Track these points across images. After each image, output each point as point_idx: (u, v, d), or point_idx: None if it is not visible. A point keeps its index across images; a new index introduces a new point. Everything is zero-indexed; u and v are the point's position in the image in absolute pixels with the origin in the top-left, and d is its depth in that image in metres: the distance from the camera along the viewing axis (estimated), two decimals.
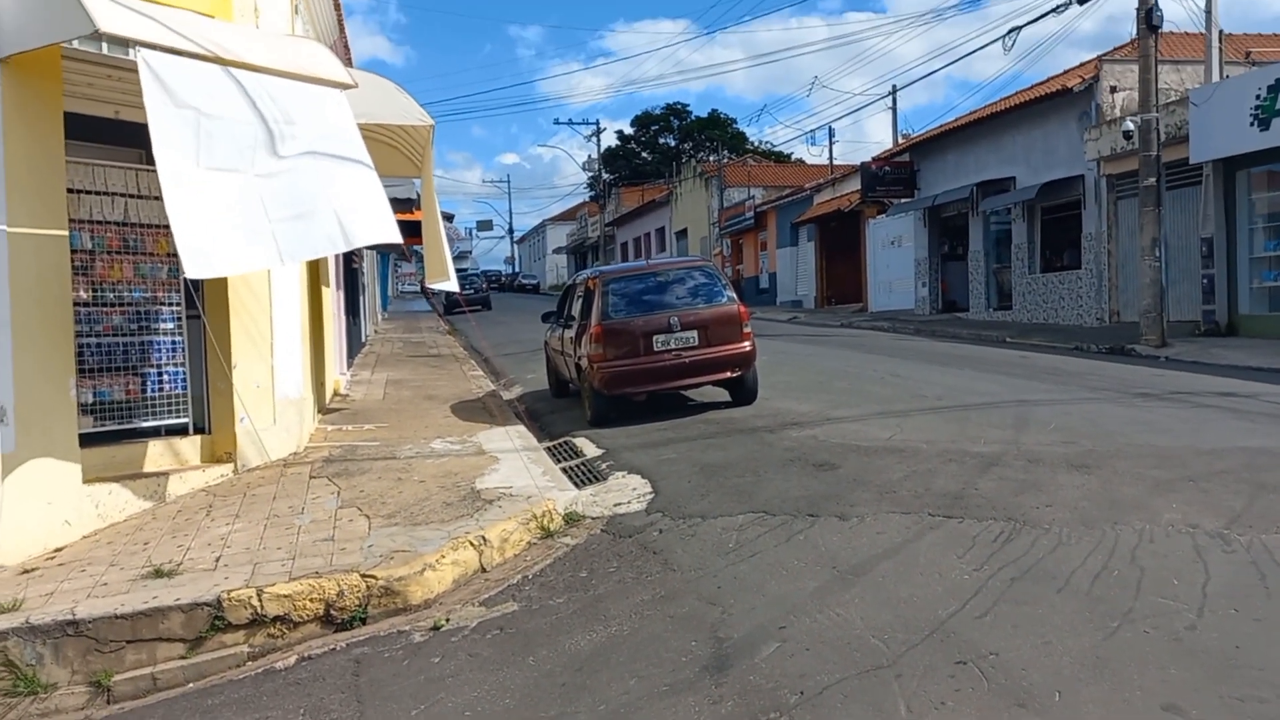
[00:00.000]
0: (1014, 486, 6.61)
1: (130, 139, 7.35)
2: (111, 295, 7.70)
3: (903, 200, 28.57)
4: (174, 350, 8.07)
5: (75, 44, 6.54)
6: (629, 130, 75.80)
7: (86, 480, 6.76)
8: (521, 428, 10.76)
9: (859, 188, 30.13)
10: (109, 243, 7.68)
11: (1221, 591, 4.54)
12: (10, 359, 6.15)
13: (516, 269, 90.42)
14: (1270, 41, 22.11)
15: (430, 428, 10.74)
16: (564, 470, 8.52)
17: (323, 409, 12.04)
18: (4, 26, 6.15)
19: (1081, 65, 23.34)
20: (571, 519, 6.86)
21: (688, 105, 75.98)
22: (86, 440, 6.96)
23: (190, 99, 6.09)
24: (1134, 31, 16.84)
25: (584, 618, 5.02)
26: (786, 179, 46.05)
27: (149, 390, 7.90)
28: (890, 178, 28.85)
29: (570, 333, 11.72)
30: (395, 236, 7.19)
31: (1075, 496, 6.28)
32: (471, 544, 6.03)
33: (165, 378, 8.01)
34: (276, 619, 5.17)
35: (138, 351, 7.85)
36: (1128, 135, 17.42)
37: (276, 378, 8.61)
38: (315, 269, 11.59)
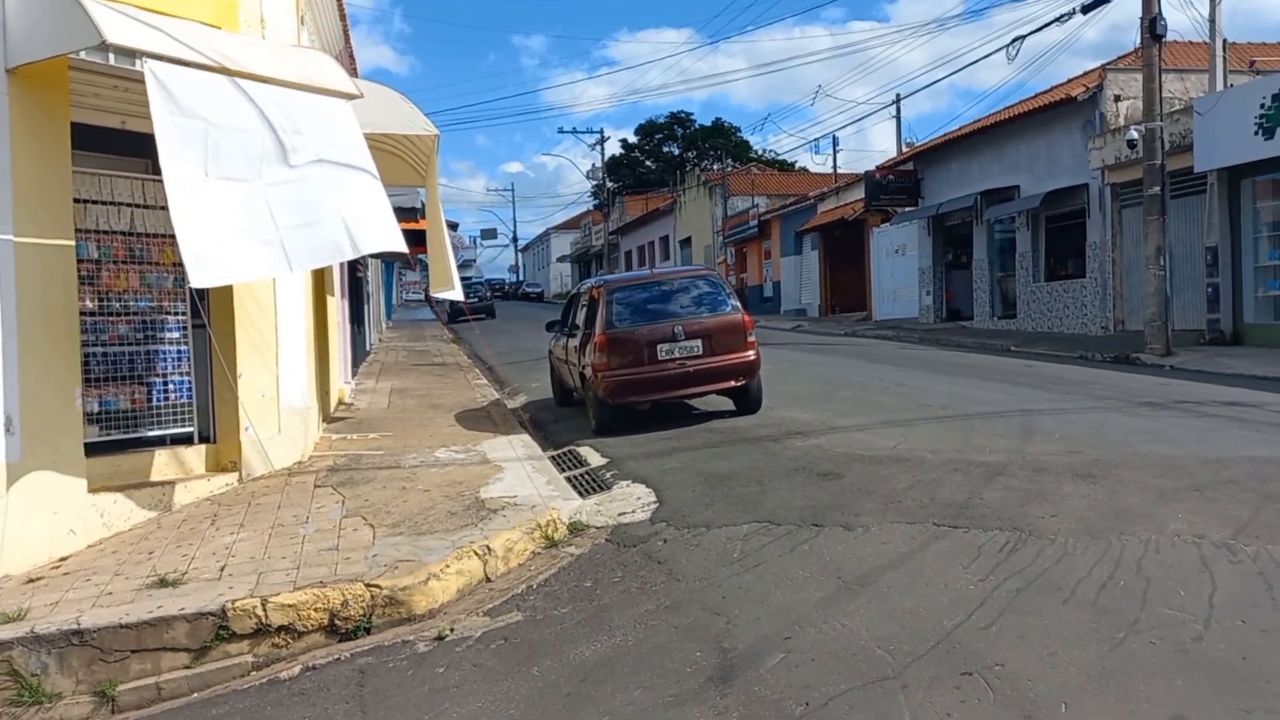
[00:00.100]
0: (1019, 496, 6.60)
1: (137, 149, 7.38)
2: (117, 304, 7.73)
3: (907, 209, 28.57)
4: (179, 359, 8.09)
5: (82, 55, 6.57)
6: (633, 139, 76.02)
7: (92, 489, 6.77)
8: (526, 437, 10.76)
9: (863, 196, 30.13)
10: (115, 252, 7.71)
11: (1228, 602, 4.53)
12: (16, 368, 6.17)
13: (520, 277, 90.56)
14: (1274, 50, 22.12)
15: (435, 437, 10.74)
16: (568, 479, 8.51)
17: (327, 418, 12.05)
18: (12, 38, 6.19)
19: (1085, 74, 23.37)
20: (576, 528, 6.86)
21: (691, 114, 76.29)
22: (92, 449, 6.98)
23: (197, 109, 6.12)
24: (1138, 40, 16.85)
25: (588, 628, 5.02)
26: (790, 187, 46.11)
27: (154, 399, 7.92)
28: (894, 186, 28.85)
29: (575, 341, 11.72)
30: (400, 245, 7.22)
31: (1081, 506, 6.26)
32: (476, 553, 6.03)
33: (170, 387, 8.02)
34: (281, 629, 5.16)
35: (143, 361, 7.87)
36: (1132, 144, 17.43)
37: (281, 387, 8.62)
38: (320, 278, 11.62)
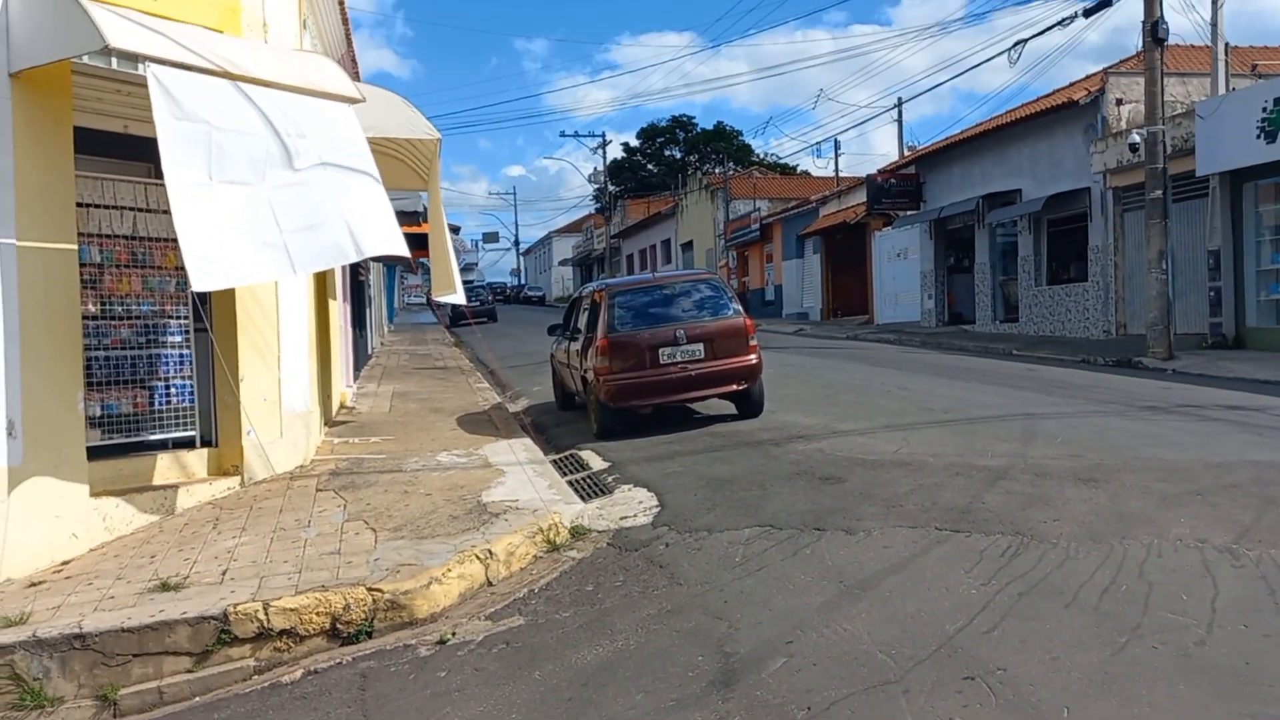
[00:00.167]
0: (1021, 500, 6.59)
1: (139, 153, 7.39)
2: (120, 309, 7.73)
3: (909, 212, 28.58)
4: (181, 363, 8.09)
5: (85, 59, 6.58)
6: (635, 143, 76.08)
7: (94, 493, 6.77)
8: (527, 440, 10.76)
9: (865, 200, 30.15)
10: (118, 256, 7.72)
11: (1231, 607, 4.52)
12: (19, 372, 6.18)
13: (522, 281, 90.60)
14: (1277, 54, 22.10)
15: (436, 440, 10.75)
16: (570, 483, 8.52)
17: (329, 422, 12.05)
18: (15, 42, 6.20)
19: (1087, 78, 23.37)
20: (577, 532, 6.86)
21: (693, 118, 76.21)
22: (94, 453, 6.99)
23: (199, 113, 6.13)
24: (1140, 44, 16.86)
25: (590, 632, 5.02)
26: (792, 191, 46.12)
27: (156, 403, 7.92)
28: (896, 190, 28.88)
29: (576, 345, 11.73)
30: (403, 250, 7.23)
31: (1083, 511, 6.26)
32: (477, 557, 6.03)
33: (173, 391, 8.03)
34: (283, 633, 5.17)
35: (145, 365, 7.87)
36: (1134, 148, 17.43)
37: (283, 391, 8.63)
38: (322, 282, 11.63)
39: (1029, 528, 5.93)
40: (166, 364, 8.01)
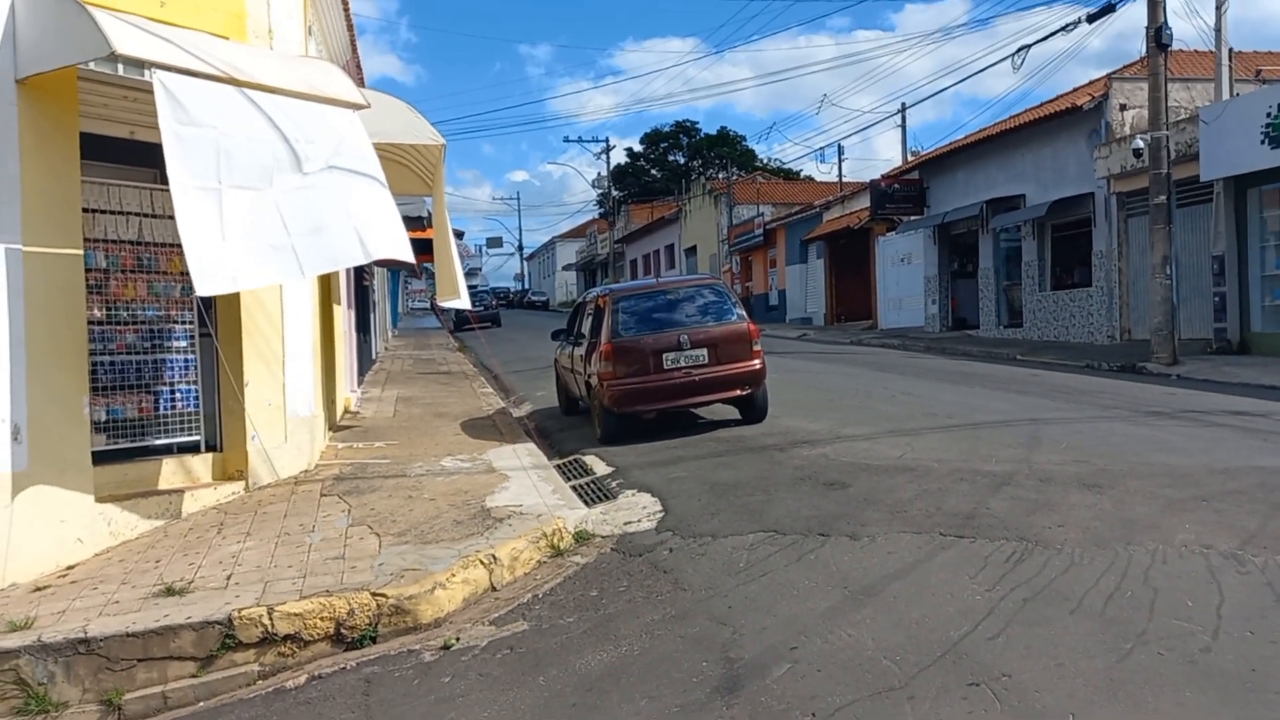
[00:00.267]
0: (1026, 506, 6.59)
1: (145, 159, 7.42)
2: (125, 314, 7.76)
3: (912, 217, 28.58)
4: (187, 368, 8.11)
5: (92, 65, 6.61)
6: (638, 148, 76.15)
7: (99, 498, 6.78)
8: (531, 445, 10.77)
9: (868, 205, 30.14)
10: (123, 261, 7.74)
11: (1236, 613, 4.51)
12: (24, 377, 6.19)
13: (526, 286, 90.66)
14: None
15: (440, 445, 10.75)
16: (574, 488, 8.52)
17: (333, 426, 12.07)
18: (21, 48, 6.22)
19: (1091, 83, 23.36)
20: (581, 537, 6.86)
21: (697, 123, 76.25)
22: (99, 458, 7.00)
23: (205, 119, 6.15)
24: (1143, 49, 16.85)
25: (594, 637, 5.01)
26: (796, 196, 46.13)
27: (162, 408, 7.94)
28: (900, 195, 28.87)
29: (580, 350, 11.73)
30: (408, 254, 7.24)
31: (1088, 516, 6.25)
32: (482, 562, 6.03)
33: (178, 396, 8.05)
34: (287, 637, 5.17)
35: (151, 370, 7.89)
36: (1138, 153, 17.41)
37: (288, 396, 8.64)
38: (327, 287, 11.65)
39: (1034, 533, 5.92)
40: (171, 369, 8.02)
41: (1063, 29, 19.04)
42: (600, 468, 9.40)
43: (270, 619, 5.16)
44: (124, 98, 7.15)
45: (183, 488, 7.77)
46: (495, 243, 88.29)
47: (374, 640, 5.28)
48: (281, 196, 6.43)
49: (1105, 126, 20.31)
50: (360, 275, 19.50)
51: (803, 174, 61.98)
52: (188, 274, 6.05)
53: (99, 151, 7.24)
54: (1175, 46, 16.84)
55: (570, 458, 10.20)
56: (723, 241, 46.70)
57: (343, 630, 5.27)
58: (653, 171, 73.69)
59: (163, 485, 7.75)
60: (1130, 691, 3.82)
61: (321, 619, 5.25)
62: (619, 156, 71.97)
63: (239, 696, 4.88)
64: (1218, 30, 17.33)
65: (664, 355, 10.45)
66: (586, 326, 11.82)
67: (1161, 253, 16.14)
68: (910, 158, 33.90)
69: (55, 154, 6.46)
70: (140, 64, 6.44)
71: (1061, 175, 21.90)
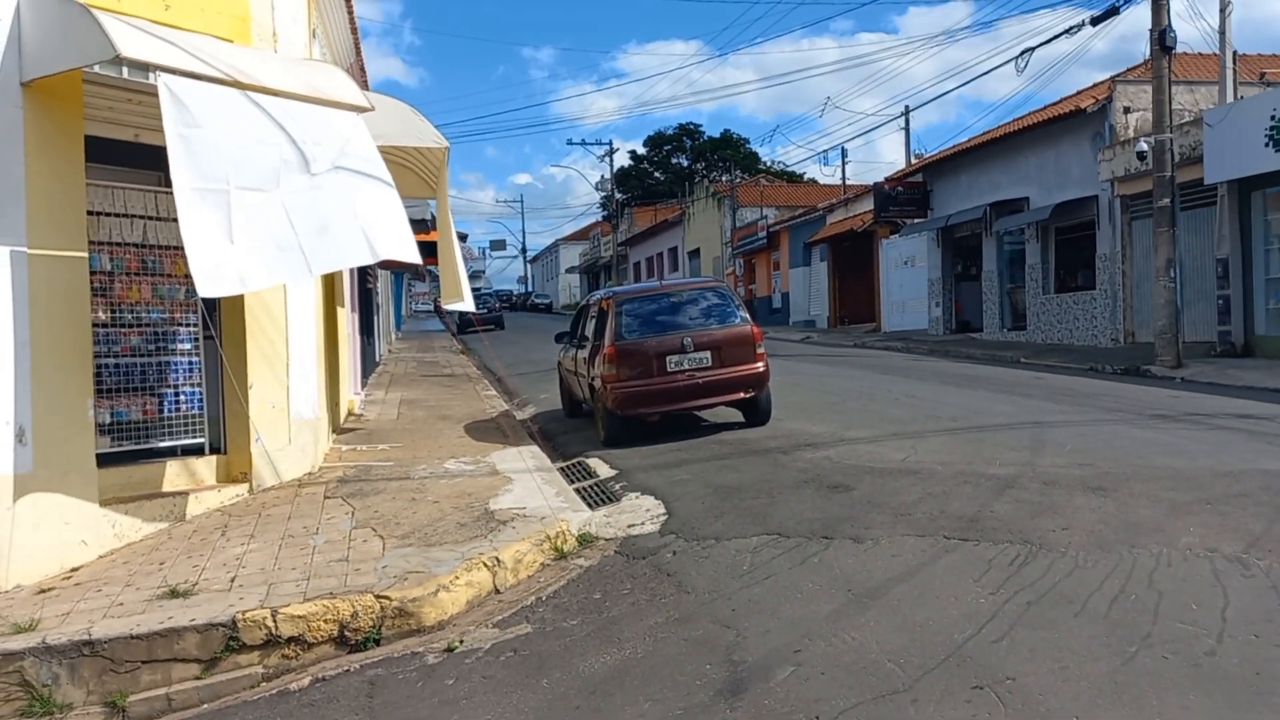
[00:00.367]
0: (1030, 509, 6.58)
1: (150, 162, 7.43)
2: (130, 316, 7.77)
3: (916, 220, 28.58)
4: (191, 371, 8.13)
5: (97, 69, 6.63)
6: (642, 150, 76.22)
7: (103, 500, 6.80)
8: (535, 448, 10.77)
9: (872, 208, 30.14)
10: (128, 264, 7.76)
11: (1241, 616, 4.50)
12: (29, 379, 6.21)
13: (529, 288, 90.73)
14: None
15: (444, 448, 10.76)
16: (577, 491, 8.52)
17: (337, 429, 12.08)
18: (27, 51, 6.25)
19: (1095, 86, 23.36)
20: (585, 540, 6.86)
21: (700, 125, 76.12)
22: (104, 460, 7.01)
23: (209, 122, 6.16)
24: (1147, 52, 16.84)
25: (598, 640, 5.01)
26: (799, 199, 46.14)
27: (166, 410, 7.96)
28: (903, 198, 28.88)
29: (584, 353, 11.74)
30: (415, 255, 7.25)
31: (1092, 519, 6.24)
32: (485, 565, 6.03)
33: (182, 398, 8.06)
34: (291, 640, 5.18)
35: (155, 372, 7.90)
36: (1141, 156, 17.41)
37: (291, 398, 8.65)
38: (330, 289, 11.67)
39: (1038, 536, 5.91)
40: (176, 371, 8.04)
41: (1066, 32, 18.99)
42: (604, 470, 9.40)
43: (274, 621, 5.16)
44: (129, 101, 7.17)
45: (187, 490, 7.78)
46: (499, 245, 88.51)
47: (378, 642, 5.29)
48: (288, 197, 6.45)
49: (1109, 129, 20.30)
50: (364, 278, 19.53)
51: (806, 177, 61.99)
52: (191, 276, 6.06)
53: (104, 154, 7.26)
54: (1179, 49, 16.84)
55: (574, 460, 10.20)
56: (726, 244, 46.71)
57: (346, 632, 5.28)
58: (656, 174, 73.72)
59: (167, 487, 7.76)
60: (1135, 694, 3.82)
61: (325, 621, 5.26)
62: (622, 159, 72.18)
63: (243, 698, 4.88)
64: (1222, 33, 17.32)
65: (667, 358, 10.45)
66: (590, 329, 11.83)
67: (1165, 256, 16.12)
68: (914, 160, 33.92)
69: (60, 157, 6.48)
70: (145, 67, 6.46)
71: (1065, 178, 21.89)
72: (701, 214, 50.49)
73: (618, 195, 63.12)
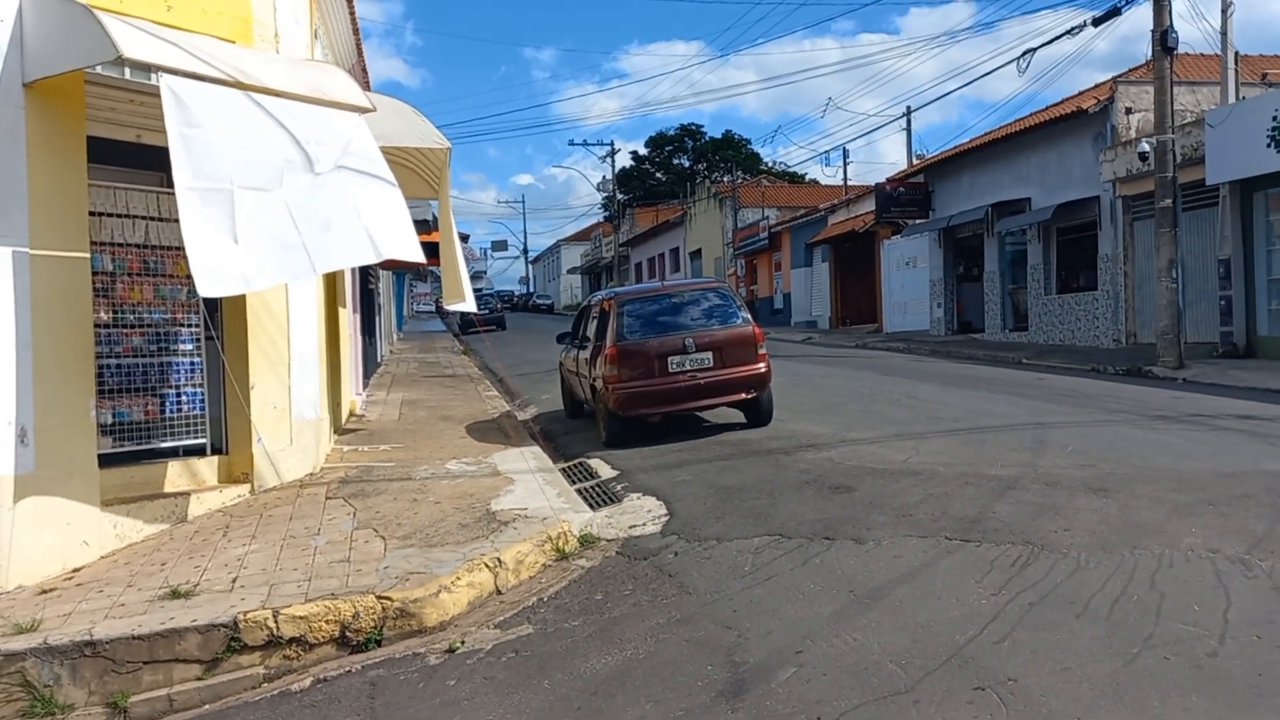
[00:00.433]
0: (1032, 510, 6.57)
1: (152, 162, 7.44)
2: (131, 317, 7.78)
3: (917, 221, 28.56)
4: (192, 371, 8.13)
5: (99, 69, 6.63)
6: (643, 151, 76.16)
7: (105, 501, 6.80)
8: (536, 449, 10.77)
9: (873, 208, 30.13)
10: (130, 265, 7.77)
11: (1243, 618, 4.50)
12: (31, 380, 6.22)
13: (531, 289, 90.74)
14: None
15: (445, 448, 10.76)
16: (579, 491, 8.52)
17: (339, 429, 12.08)
18: (29, 52, 6.25)
19: (1096, 86, 23.35)
20: (586, 541, 6.86)
21: (702, 126, 76.22)
22: (105, 461, 7.02)
23: (211, 122, 6.16)
24: (1149, 52, 16.84)
25: (599, 641, 5.01)
26: (801, 200, 46.12)
27: (167, 411, 7.96)
28: (905, 198, 28.86)
29: (585, 354, 11.74)
30: (418, 254, 7.25)
31: (1094, 520, 6.23)
32: (487, 566, 6.03)
33: (184, 399, 8.06)
34: (292, 640, 5.18)
35: (157, 373, 7.91)
36: (1143, 157, 17.40)
37: (293, 399, 8.65)
38: (332, 290, 11.67)
39: (1040, 537, 5.91)
40: (178, 372, 8.04)
41: (1068, 32, 19.01)
42: (605, 471, 9.40)
43: (275, 622, 5.17)
44: (131, 101, 7.17)
45: (188, 490, 7.79)
46: (500, 246, 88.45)
47: (379, 643, 5.29)
48: (291, 196, 6.44)
49: (1111, 130, 20.29)
50: (365, 278, 19.54)
51: (808, 177, 61.95)
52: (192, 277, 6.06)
53: (106, 155, 7.27)
54: (1181, 50, 16.84)
55: (575, 461, 10.20)
56: (728, 245, 46.70)
57: (348, 633, 5.28)
58: (658, 175, 73.69)
59: (168, 488, 7.76)
60: (1136, 696, 3.81)
61: (326, 622, 5.26)
62: (624, 160, 72.19)
63: (244, 699, 4.89)
64: (1223, 33, 17.32)
65: (669, 358, 10.45)
66: (591, 330, 11.83)
67: (1167, 256, 16.11)
68: (915, 161, 33.91)
69: (62, 157, 6.48)
70: (147, 68, 6.47)
71: (1067, 179, 21.88)
72: (703, 215, 50.49)
73: (619, 196, 63.12)
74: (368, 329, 20.13)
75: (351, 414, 13.94)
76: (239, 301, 8.15)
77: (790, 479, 8.14)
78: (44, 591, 5.90)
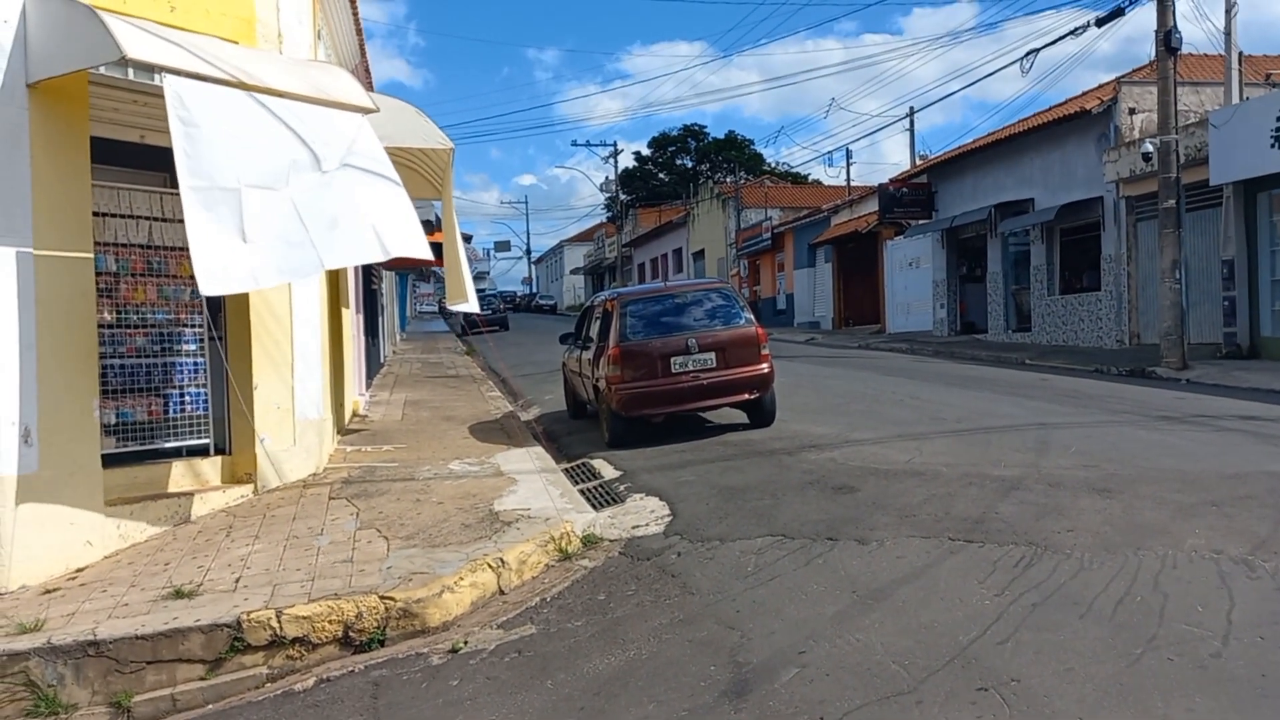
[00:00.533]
0: (1035, 511, 6.57)
1: (155, 163, 7.45)
2: (135, 317, 7.79)
3: (920, 221, 28.55)
4: (196, 371, 8.14)
5: (102, 70, 6.64)
6: (646, 151, 76.12)
7: (108, 501, 6.81)
8: (539, 449, 10.77)
9: (876, 209, 30.13)
10: (133, 265, 7.78)
11: (1247, 619, 4.49)
12: (35, 380, 6.22)
13: (534, 289, 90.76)
14: None
15: (448, 449, 10.76)
16: (582, 492, 8.52)
17: (342, 430, 12.09)
18: (33, 53, 6.26)
19: (1100, 87, 23.33)
20: (589, 541, 6.86)
21: (705, 127, 76.20)
22: (109, 461, 7.03)
23: (215, 123, 6.16)
24: (1153, 53, 16.82)
25: (602, 641, 5.01)
26: (804, 200, 46.08)
27: (171, 411, 7.97)
28: (908, 199, 28.85)
29: (588, 354, 11.74)
30: (425, 252, 7.24)
31: (1097, 521, 6.23)
32: (489, 566, 6.04)
33: (187, 399, 8.08)
34: (295, 640, 5.18)
35: (160, 373, 7.92)
36: (1147, 157, 17.37)
37: (296, 399, 8.66)
38: (335, 290, 11.68)
39: (1043, 538, 5.90)
40: (181, 372, 8.05)
41: (1071, 33, 18.99)
42: (608, 471, 9.40)
43: (279, 622, 5.17)
44: (134, 102, 7.18)
45: (192, 491, 7.79)
46: (503, 246, 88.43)
47: (382, 643, 5.29)
48: (298, 194, 6.44)
49: (1114, 130, 20.27)
50: (368, 279, 19.56)
51: (811, 178, 61.90)
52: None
53: (109, 155, 7.28)
54: (1185, 50, 16.82)
55: (578, 461, 10.20)
56: (730, 245, 46.69)
57: (351, 633, 5.28)
58: (660, 175, 73.67)
59: (172, 488, 7.77)
60: (1140, 697, 3.81)
61: (330, 622, 5.26)
62: (627, 160, 72.22)
63: (247, 699, 4.89)
64: (1227, 34, 17.29)
65: (672, 359, 10.45)
66: (594, 330, 11.83)
67: (1171, 257, 16.09)
68: (918, 161, 33.88)
69: (66, 158, 6.49)
70: (150, 68, 6.47)
71: (1070, 179, 21.86)
72: (706, 215, 50.48)
73: (622, 196, 63.11)
74: (371, 329, 20.14)
75: (355, 414, 13.95)
76: (242, 302, 8.16)
77: (793, 479, 8.14)
78: (47, 591, 5.91)
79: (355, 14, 12.82)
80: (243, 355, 8.25)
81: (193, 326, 8.14)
